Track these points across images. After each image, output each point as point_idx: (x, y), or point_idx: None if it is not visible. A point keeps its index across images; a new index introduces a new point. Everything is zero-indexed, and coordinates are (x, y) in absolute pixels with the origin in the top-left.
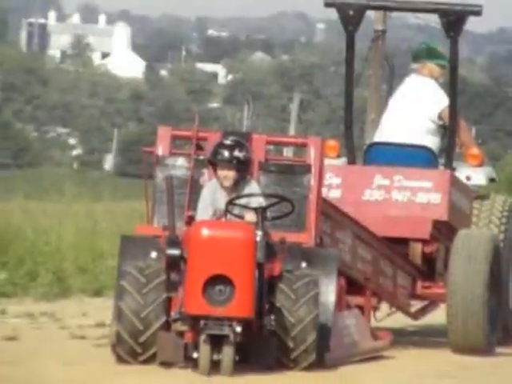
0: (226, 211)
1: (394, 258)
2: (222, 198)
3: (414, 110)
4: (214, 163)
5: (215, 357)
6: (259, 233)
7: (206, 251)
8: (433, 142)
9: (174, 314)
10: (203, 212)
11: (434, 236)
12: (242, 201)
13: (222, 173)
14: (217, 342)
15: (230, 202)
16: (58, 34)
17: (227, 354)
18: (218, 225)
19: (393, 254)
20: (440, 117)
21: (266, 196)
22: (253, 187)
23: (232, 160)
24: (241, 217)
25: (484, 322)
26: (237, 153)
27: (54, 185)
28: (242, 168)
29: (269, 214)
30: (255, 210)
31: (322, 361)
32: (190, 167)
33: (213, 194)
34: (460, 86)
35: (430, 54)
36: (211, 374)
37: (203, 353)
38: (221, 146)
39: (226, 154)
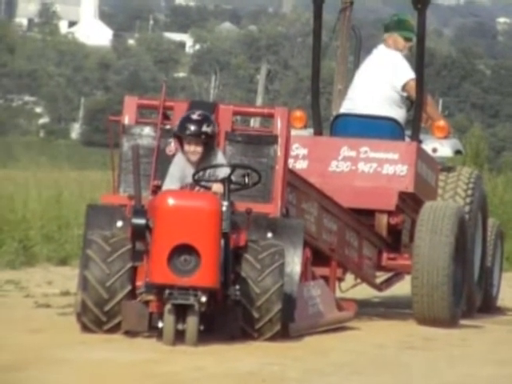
0: (195, 182)
1: (359, 229)
2: (190, 175)
3: (378, 80)
4: (180, 137)
5: (180, 326)
6: (225, 203)
7: (172, 221)
8: (399, 113)
9: (141, 287)
10: (171, 185)
11: (399, 207)
12: (208, 172)
13: (189, 148)
14: (182, 311)
15: (196, 175)
16: (25, 1)
17: (192, 323)
18: (183, 194)
19: (359, 225)
20: (404, 89)
21: (233, 166)
22: (219, 158)
23: (200, 135)
24: (208, 188)
25: (449, 294)
26: (205, 128)
27: (21, 153)
28: (210, 142)
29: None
30: (221, 180)
31: (286, 331)
32: (156, 136)
33: (182, 170)
34: (427, 57)
35: (398, 25)
36: (176, 343)
37: (168, 322)
38: (188, 120)
39: (195, 129)
